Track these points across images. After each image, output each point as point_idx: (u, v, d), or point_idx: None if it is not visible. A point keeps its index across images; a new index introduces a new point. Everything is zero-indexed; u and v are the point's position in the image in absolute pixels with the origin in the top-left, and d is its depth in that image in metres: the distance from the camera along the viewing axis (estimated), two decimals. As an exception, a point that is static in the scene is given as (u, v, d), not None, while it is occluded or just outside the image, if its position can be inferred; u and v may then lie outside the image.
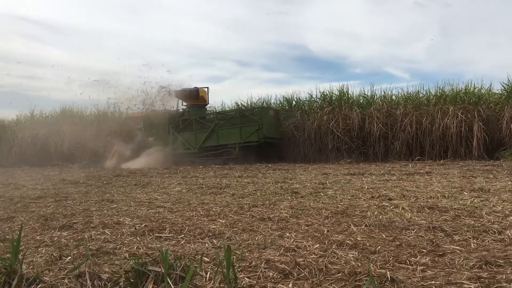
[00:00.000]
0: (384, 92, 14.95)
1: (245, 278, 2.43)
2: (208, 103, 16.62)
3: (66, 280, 2.45)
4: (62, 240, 3.61)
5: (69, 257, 2.99)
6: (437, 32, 38.49)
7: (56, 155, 18.16)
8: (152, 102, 16.79)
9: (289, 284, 2.33)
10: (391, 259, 2.71)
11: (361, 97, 15.03)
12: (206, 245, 3.29)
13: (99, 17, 42.99)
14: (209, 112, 16.58)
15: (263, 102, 16.86)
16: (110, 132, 17.58)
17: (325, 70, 43.37)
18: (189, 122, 15.65)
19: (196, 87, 16.04)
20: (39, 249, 3.32)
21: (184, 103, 16.58)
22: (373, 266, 2.55)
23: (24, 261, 2.74)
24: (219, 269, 2.30)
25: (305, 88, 33.75)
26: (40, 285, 2.36)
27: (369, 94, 15.03)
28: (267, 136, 14.38)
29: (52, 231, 4.04)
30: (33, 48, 38.58)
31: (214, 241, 3.39)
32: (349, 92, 15.06)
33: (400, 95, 14.78)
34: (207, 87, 16.38)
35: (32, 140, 19.39)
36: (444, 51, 38.65)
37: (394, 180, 7.29)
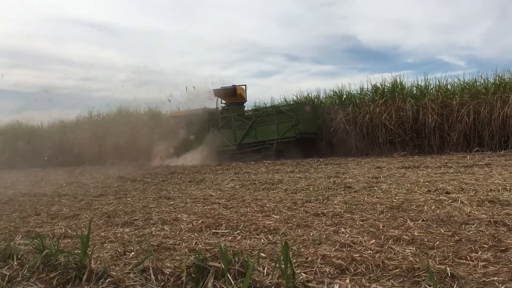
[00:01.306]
0: (438, 81, 14.38)
1: (302, 273, 2.46)
2: (246, 100, 16.82)
3: (131, 275, 2.58)
4: (125, 236, 3.79)
5: (133, 253, 3.14)
6: (494, 16, 36.70)
7: (112, 154, 18.89)
8: (195, 101, 17.20)
9: (346, 279, 2.34)
10: (450, 254, 2.65)
11: (415, 88, 14.57)
12: (262, 240, 3.35)
13: (150, 17, 44.20)
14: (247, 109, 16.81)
15: (314, 96, 16.75)
16: (156, 131, 18.20)
17: (376, 61, 42.59)
18: (228, 120, 15.94)
19: (234, 85, 16.28)
20: (104, 245, 3.51)
21: (223, 101, 16.86)
22: (432, 262, 2.51)
23: (92, 256, 2.90)
24: (276, 265, 2.35)
25: (356, 80, 33.36)
26: (108, 280, 2.50)
27: (422, 84, 14.53)
28: (304, 131, 14.49)
29: (115, 227, 4.24)
30: (89, 50, 40.26)
31: (270, 237, 3.44)
32: (402, 83, 14.68)
33: (456, 84, 14.18)
34: (245, 85, 16.62)
35: (91, 139, 20.26)
36: (502, 36, 36.82)
37: (451, 173, 7.07)
